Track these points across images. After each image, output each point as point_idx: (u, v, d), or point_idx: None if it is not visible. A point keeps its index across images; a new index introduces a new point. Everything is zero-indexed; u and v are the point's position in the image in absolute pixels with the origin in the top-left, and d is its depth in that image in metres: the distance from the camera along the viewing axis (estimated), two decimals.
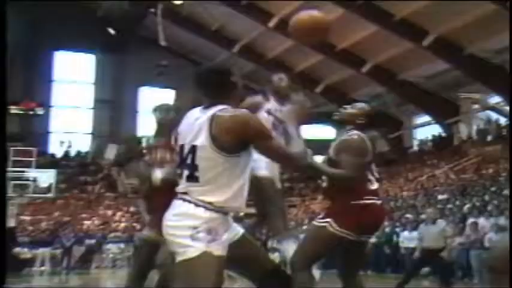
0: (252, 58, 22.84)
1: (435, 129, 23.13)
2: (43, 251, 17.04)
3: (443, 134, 22.56)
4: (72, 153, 25.86)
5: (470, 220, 11.78)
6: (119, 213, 20.99)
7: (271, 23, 20.42)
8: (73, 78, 26.92)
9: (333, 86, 23.83)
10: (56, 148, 25.81)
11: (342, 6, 18.32)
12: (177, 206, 2.74)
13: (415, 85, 21.61)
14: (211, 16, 21.47)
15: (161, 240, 4.05)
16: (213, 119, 2.70)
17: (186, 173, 2.75)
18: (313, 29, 3.41)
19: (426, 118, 23.60)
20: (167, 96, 27.12)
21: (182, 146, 2.80)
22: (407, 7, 17.69)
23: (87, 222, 20.19)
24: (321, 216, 3.64)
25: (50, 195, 19.36)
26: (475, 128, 20.25)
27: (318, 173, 3.60)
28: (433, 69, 20.52)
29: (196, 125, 2.75)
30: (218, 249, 2.67)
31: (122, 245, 17.67)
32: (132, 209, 19.82)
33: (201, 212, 2.67)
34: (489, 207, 12.32)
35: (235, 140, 2.69)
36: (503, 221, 10.78)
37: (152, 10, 20.63)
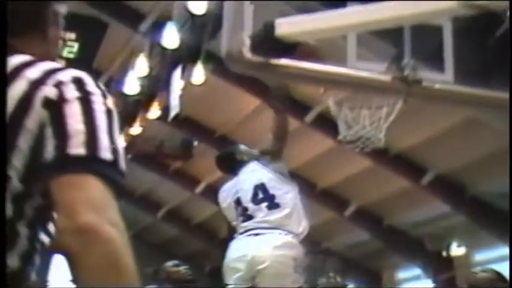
0: (177, 223, 22.56)
1: None
2: None
3: None
4: None
5: None
6: None
7: (198, 189, 20.54)
8: None
9: None
10: None
11: None
12: (275, 237, 3.06)
13: (338, 254, 21.79)
14: (137, 181, 21.42)
15: None
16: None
17: (265, 204, 3.14)
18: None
19: (350, 286, 23.47)
20: None
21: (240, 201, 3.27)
22: (329, 178, 18.44)
23: None
24: None
25: None
26: None
27: None
28: (355, 239, 20.91)
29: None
30: (303, 285, 3.04)
31: None
32: None
33: (296, 243, 3.07)
34: None
35: None
36: None
37: None
